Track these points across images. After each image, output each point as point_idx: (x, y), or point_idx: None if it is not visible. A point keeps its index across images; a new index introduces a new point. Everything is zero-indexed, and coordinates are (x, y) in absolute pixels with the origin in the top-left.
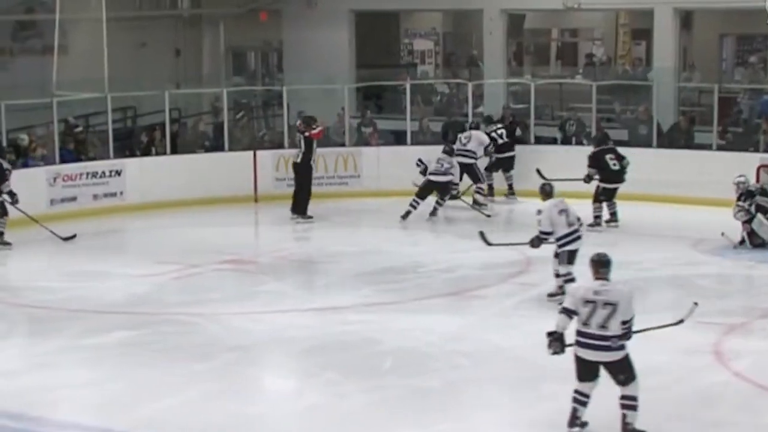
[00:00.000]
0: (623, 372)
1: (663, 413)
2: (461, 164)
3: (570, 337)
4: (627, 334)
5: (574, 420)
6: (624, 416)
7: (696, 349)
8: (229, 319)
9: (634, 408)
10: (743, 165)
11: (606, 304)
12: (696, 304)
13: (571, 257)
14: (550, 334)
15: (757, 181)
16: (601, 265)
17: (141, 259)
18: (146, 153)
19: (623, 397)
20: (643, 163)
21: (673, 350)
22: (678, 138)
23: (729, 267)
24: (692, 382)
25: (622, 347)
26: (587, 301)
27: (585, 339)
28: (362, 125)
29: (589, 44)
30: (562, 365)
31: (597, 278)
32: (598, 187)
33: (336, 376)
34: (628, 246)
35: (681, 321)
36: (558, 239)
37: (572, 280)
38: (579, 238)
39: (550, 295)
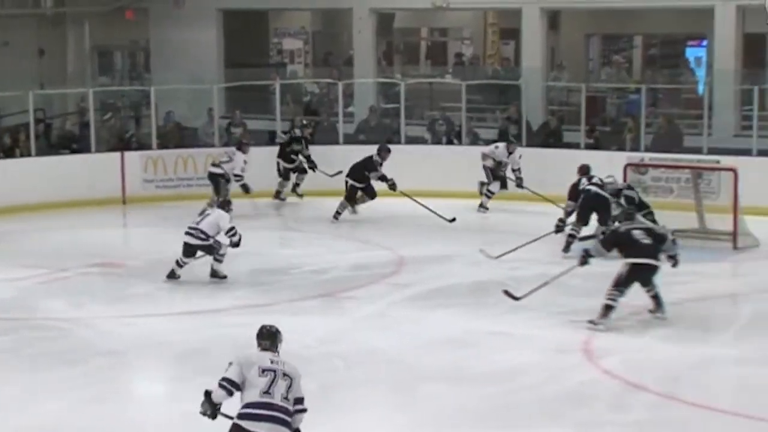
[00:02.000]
0: None
1: (534, 413)
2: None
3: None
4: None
5: None
6: None
7: (565, 348)
8: (100, 323)
9: None
10: (611, 163)
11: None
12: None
13: None
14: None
15: (625, 180)
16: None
17: (6, 263)
18: (10, 155)
19: None
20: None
21: (542, 349)
22: (547, 137)
23: (598, 265)
24: (562, 381)
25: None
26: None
27: (265, 410)
28: (232, 125)
29: (459, 44)
30: (438, 366)
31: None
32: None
33: (211, 380)
34: (499, 245)
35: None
36: None
37: None
38: None
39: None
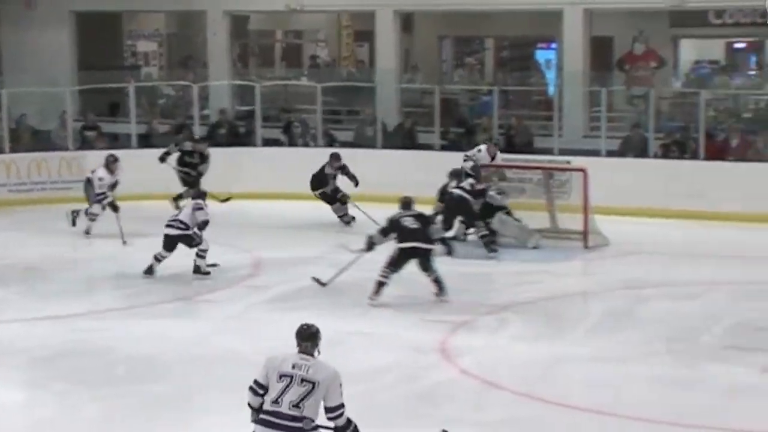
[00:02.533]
0: None
1: (391, 413)
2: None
3: None
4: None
5: None
6: None
7: (423, 348)
8: None
9: None
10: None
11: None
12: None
13: None
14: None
15: (479, 180)
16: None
17: None
18: None
19: None
20: (369, 164)
21: (400, 349)
22: (402, 138)
23: (452, 265)
24: (421, 380)
25: (315, 428)
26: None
27: (271, 417)
28: (86, 128)
29: (313, 46)
30: None
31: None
32: None
33: (67, 387)
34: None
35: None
36: None
37: None
38: None
39: None
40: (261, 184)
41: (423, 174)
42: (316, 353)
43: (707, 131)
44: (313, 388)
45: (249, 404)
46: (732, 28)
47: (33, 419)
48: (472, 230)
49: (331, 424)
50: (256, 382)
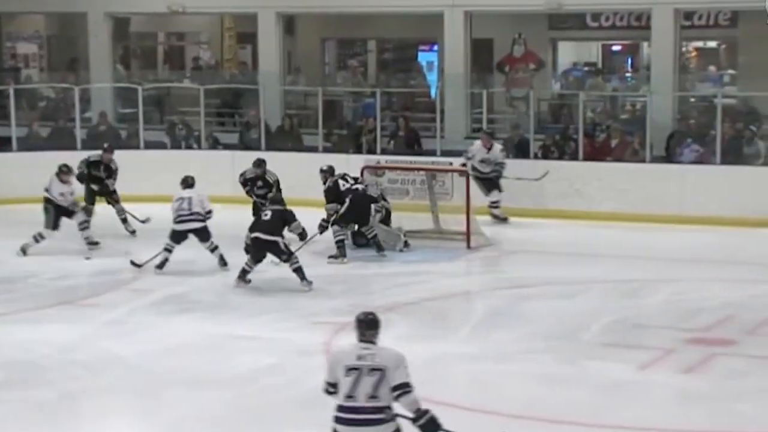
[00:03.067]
0: None
1: (276, 415)
2: None
3: None
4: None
5: None
6: None
7: (307, 350)
8: None
9: None
10: (348, 166)
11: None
12: None
13: None
14: None
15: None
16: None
17: None
18: None
19: None
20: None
21: (285, 352)
22: (285, 140)
23: (337, 268)
24: (304, 383)
25: (394, 417)
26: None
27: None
28: None
29: (196, 48)
30: (180, 371)
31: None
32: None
33: None
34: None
35: None
36: None
37: None
38: None
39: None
40: (144, 187)
41: (306, 175)
42: (377, 341)
43: (586, 132)
44: (383, 375)
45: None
46: (608, 31)
47: None
48: (364, 228)
49: (402, 406)
50: (327, 383)
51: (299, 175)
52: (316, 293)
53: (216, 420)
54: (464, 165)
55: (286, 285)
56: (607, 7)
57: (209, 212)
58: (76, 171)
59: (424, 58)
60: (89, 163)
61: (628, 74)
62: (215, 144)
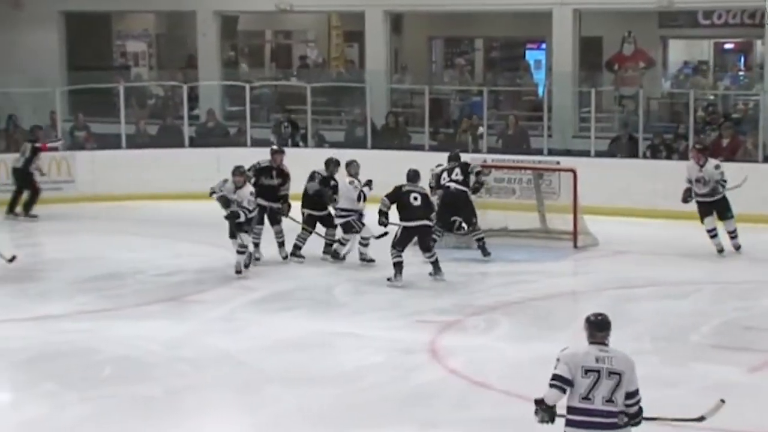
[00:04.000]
0: None
1: (378, 413)
2: None
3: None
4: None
5: None
6: None
7: (412, 349)
8: None
9: None
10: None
11: (611, 373)
12: (723, 401)
13: None
14: (538, 402)
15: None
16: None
17: None
18: None
19: None
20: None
21: (388, 350)
22: (391, 138)
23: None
24: (408, 381)
25: (627, 424)
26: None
27: (584, 417)
28: (75, 129)
29: (303, 46)
30: (284, 368)
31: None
32: None
33: (54, 387)
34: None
35: (702, 418)
36: None
37: None
38: None
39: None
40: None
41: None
42: (608, 342)
43: (696, 131)
44: (620, 379)
45: (545, 403)
46: (720, 29)
47: (20, 419)
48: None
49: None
50: (560, 378)
51: (404, 173)
52: (420, 292)
53: (319, 417)
54: (688, 191)
55: (391, 284)
56: (719, 4)
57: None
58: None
59: (531, 56)
60: (259, 171)
61: (740, 73)
62: (321, 142)
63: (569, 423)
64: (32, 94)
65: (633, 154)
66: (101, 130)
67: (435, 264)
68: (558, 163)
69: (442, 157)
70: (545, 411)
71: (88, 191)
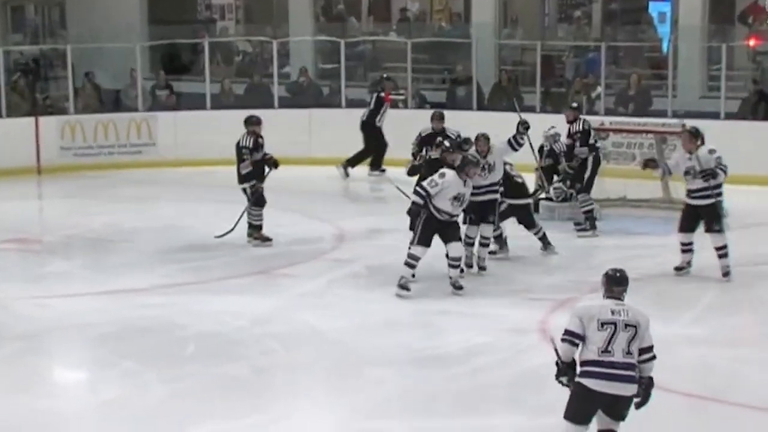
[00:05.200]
0: (628, 408)
1: (489, 398)
2: None
3: None
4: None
5: None
6: None
7: (522, 328)
8: (13, 304)
9: None
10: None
11: (627, 325)
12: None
13: None
14: (557, 364)
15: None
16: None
17: None
18: None
19: None
20: (464, 128)
21: (497, 330)
22: (501, 98)
23: (556, 239)
24: (519, 363)
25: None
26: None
27: (605, 369)
28: (157, 88)
29: None
30: (384, 349)
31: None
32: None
33: (135, 366)
34: None
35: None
36: None
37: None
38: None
39: None
40: (343, 149)
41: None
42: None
43: None
44: (636, 331)
45: (560, 358)
46: None
47: (101, 399)
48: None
49: (644, 370)
50: (571, 333)
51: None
52: (530, 268)
53: (423, 402)
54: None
55: (496, 258)
56: None
57: None
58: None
59: (655, 8)
60: (422, 140)
61: None
62: (422, 102)
63: (587, 374)
64: (110, 51)
65: (765, 115)
66: (184, 89)
67: (543, 239)
68: (684, 126)
69: (554, 120)
70: (565, 370)
71: (170, 155)
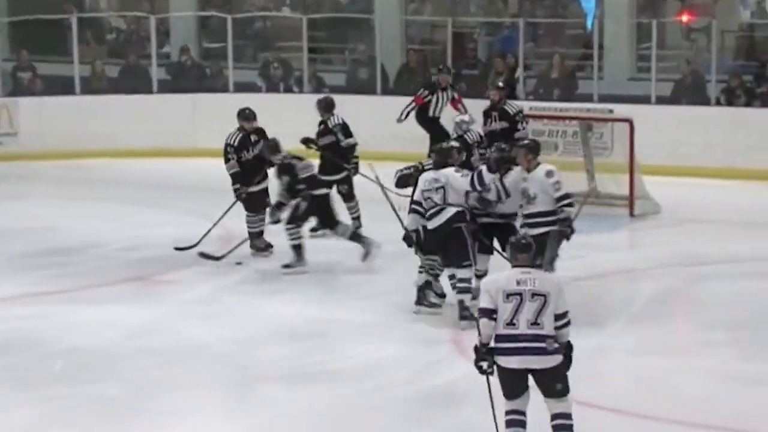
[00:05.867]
0: (559, 380)
1: (394, 417)
2: None
3: None
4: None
5: None
6: None
7: (432, 339)
8: None
9: (571, 428)
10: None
11: (535, 295)
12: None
13: None
14: (476, 348)
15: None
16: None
17: None
18: None
19: (559, 417)
20: (365, 114)
21: (404, 341)
22: (409, 81)
23: None
24: (429, 379)
25: (558, 351)
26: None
27: (510, 343)
28: (18, 70)
29: None
30: (278, 363)
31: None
32: None
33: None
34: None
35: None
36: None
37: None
38: None
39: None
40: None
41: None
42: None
43: None
44: (545, 301)
45: (480, 349)
46: None
47: None
48: None
49: (560, 337)
50: (484, 309)
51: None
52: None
53: (319, 423)
54: None
55: (402, 263)
56: None
57: None
58: None
59: None
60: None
61: None
62: (320, 86)
63: (497, 351)
64: None
65: (703, 100)
66: (49, 71)
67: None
68: (611, 111)
69: (470, 105)
70: (483, 354)
71: (34, 146)
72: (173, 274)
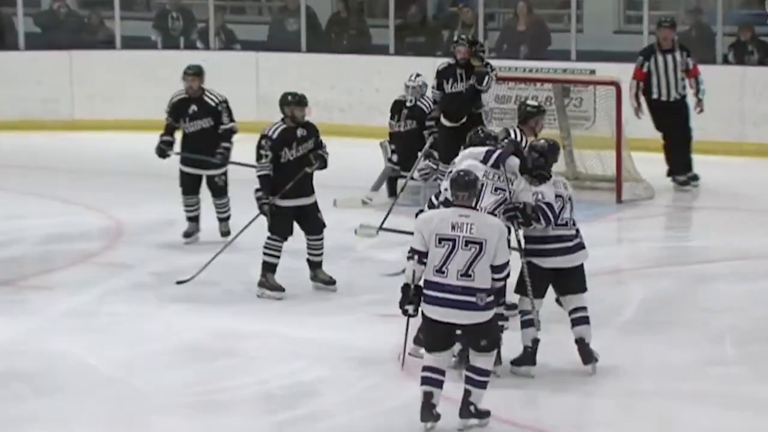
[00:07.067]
0: (486, 336)
1: None
2: None
3: None
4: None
5: (429, 409)
6: (467, 394)
7: (372, 356)
8: None
9: (484, 385)
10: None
11: (469, 243)
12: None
13: None
14: (403, 289)
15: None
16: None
17: None
18: None
19: (473, 369)
20: (289, 74)
21: (336, 359)
22: (341, 36)
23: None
24: (367, 406)
25: (489, 306)
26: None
27: (437, 292)
28: None
29: None
30: (178, 388)
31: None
32: None
33: None
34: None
35: None
36: None
37: None
38: None
39: None
40: (116, 108)
41: (372, 91)
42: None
43: None
44: (480, 249)
45: (408, 282)
46: None
47: None
48: None
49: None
50: (414, 250)
51: (364, 89)
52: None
53: None
54: None
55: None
56: None
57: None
58: None
59: None
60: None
61: None
62: (230, 42)
63: (424, 299)
64: None
65: (707, 57)
66: None
67: None
68: (593, 72)
69: (414, 64)
70: (410, 296)
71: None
72: (47, 277)
